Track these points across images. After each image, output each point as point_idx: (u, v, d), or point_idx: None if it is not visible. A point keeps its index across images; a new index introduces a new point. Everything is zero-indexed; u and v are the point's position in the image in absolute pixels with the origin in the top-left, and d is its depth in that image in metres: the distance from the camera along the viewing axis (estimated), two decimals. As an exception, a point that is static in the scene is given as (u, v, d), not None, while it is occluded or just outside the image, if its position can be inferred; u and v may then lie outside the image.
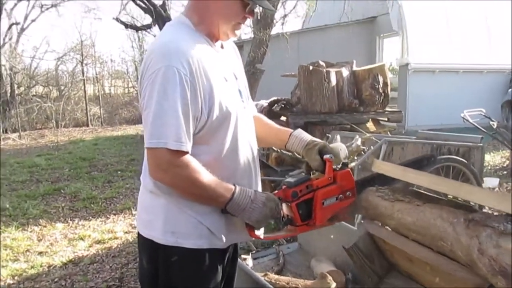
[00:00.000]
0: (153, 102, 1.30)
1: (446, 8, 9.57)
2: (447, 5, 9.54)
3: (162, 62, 1.30)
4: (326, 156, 1.46)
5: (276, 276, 2.09)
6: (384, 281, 1.53)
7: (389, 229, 1.43)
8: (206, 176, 1.34)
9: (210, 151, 1.40)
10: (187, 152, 1.32)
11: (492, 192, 1.21)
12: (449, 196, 1.41)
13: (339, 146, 1.54)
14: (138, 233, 1.53)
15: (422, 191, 1.50)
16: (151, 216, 1.46)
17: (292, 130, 1.62)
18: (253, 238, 1.48)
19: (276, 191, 1.46)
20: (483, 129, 5.44)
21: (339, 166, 1.49)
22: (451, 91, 9.46)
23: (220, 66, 1.45)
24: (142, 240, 1.49)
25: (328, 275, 2.00)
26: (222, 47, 1.53)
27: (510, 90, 8.05)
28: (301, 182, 1.44)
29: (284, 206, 1.44)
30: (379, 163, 1.52)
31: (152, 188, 1.45)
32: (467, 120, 5.74)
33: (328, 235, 2.39)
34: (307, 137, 1.58)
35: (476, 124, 5.63)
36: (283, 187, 1.45)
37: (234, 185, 1.38)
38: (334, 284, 1.97)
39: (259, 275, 1.94)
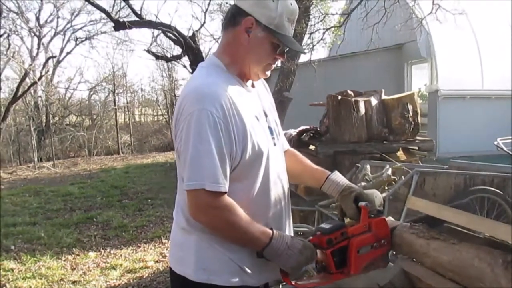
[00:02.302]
0: (189, 145, 1.33)
1: (476, 34, 9.49)
2: (477, 31, 9.46)
3: (196, 106, 1.34)
4: (361, 204, 1.46)
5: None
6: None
7: (424, 267, 1.41)
8: (244, 219, 1.36)
9: (242, 189, 1.42)
10: (225, 193, 1.34)
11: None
12: (485, 234, 1.39)
13: (374, 193, 1.53)
14: (171, 269, 1.54)
15: (457, 228, 1.48)
16: (183, 253, 1.47)
17: (328, 172, 1.61)
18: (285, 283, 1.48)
19: (311, 237, 1.45)
20: (518, 157, 5.30)
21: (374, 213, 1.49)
22: (483, 118, 9.26)
23: (252, 105, 1.48)
24: (175, 276, 1.50)
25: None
26: (253, 85, 1.56)
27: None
28: (336, 229, 1.43)
29: (318, 252, 1.43)
30: (413, 199, 1.51)
31: (184, 225, 1.48)
32: (501, 148, 5.61)
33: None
34: (343, 181, 1.57)
35: (510, 152, 5.49)
36: (318, 233, 1.44)
37: (271, 229, 1.39)
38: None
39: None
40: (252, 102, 1.49)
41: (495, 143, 5.71)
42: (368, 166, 3.77)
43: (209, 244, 1.42)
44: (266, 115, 1.54)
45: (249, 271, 1.44)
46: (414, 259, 1.47)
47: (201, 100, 1.34)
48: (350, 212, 1.50)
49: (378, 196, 1.53)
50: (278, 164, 1.53)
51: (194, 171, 1.33)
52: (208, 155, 1.32)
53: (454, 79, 9.51)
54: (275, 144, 1.53)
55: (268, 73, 1.52)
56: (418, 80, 11.56)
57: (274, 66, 1.53)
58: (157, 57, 9.61)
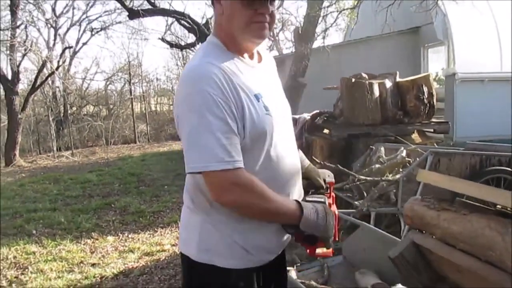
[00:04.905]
0: (189, 127, 1.30)
1: (495, 15, 9.26)
2: (495, 11, 9.23)
3: (191, 87, 1.31)
4: (329, 180, 1.58)
5: (320, 287, 2.08)
6: (432, 292, 1.51)
7: (435, 238, 1.41)
8: (271, 192, 1.32)
9: (247, 169, 1.34)
10: (238, 169, 1.29)
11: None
12: (497, 206, 1.38)
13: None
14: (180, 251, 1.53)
15: (469, 201, 1.48)
16: (188, 234, 1.47)
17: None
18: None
19: None
20: (537, 139, 5.22)
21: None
22: (502, 101, 9.07)
23: (254, 81, 1.40)
24: (182, 256, 1.50)
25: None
26: (260, 60, 1.50)
27: None
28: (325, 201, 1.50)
29: None
30: (424, 173, 1.51)
31: (189, 204, 1.47)
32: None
33: (373, 247, 2.37)
34: (306, 161, 1.66)
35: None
36: None
37: (296, 200, 1.39)
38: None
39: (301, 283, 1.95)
40: (256, 77, 1.43)
41: (514, 125, 5.64)
42: (382, 149, 3.75)
43: (212, 226, 1.41)
44: (273, 91, 1.49)
45: (253, 252, 1.42)
46: (425, 231, 1.48)
47: (196, 81, 1.31)
48: (318, 183, 1.60)
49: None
50: (285, 141, 1.47)
51: (196, 153, 1.29)
52: (209, 134, 1.27)
53: (472, 62, 9.30)
54: (281, 120, 1.46)
55: (262, 33, 1.40)
56: (435, 64, 11.35)
57: (264, 24, 1.38)
58: (171, 45, 9.65)
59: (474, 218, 1.29)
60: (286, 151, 1.46)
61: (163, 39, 9.34)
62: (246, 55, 1.45)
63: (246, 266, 1.42)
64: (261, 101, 1.38)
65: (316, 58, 8.66)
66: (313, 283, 2.14)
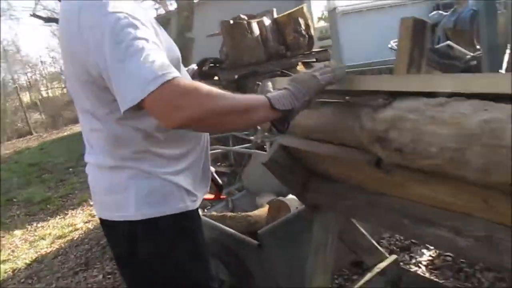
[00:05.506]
0: (107, 62, 1.07)
1: None
2: None
3: (100, 13, 1.10)
4: None
5: (220, 214, 2.18)
6: (309, 186, 1.65)
7: (298, 137, 1.53)
8: (222, 91, 1.10)
9: None
10: (174, 78, 1.03)
11: (370, 76, 1.33)
12: (346, 98, 1.52)
13: None
14: (106, 220, 1.36)
15: (326, 100, 1.61)
16: (119, 195, 1.29)
17: None
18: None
19: None
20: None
21: None
22: (380, 28, 9.69)
23: (149, 14, 1.35)
24: (114, 225, 1.32)
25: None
26: None
27: (430, 14, 8.40)
28: None
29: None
30: (280, 79, 1.62)
31: (111, 163, 1.29)
32: (394, 50, 5.98)
33: (266, 170, 2.50)
34: None
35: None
36: None
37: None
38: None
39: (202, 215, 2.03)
40: (148, 12, 1.43)
41: (389, 46, 6.08)
42: (269, 83, 3.87)
43: (146, 175, 1.27)
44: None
45: (194, 191, 1.35)
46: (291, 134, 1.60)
47: (102, 7, 1.10)
48: None
49: None
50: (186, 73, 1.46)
51: (125, 85, 1.05)
52: (132, 59, 1.04)
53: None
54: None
55: None
56: (319, 3, 11.74)
57: None
58: (45, 20, 8.93)
59: (324, 109, 1.42)
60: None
61: (35, 15, 8.60)
62: None
63: (194, 207, 1.35)
64: (163, 31, 1.31)
65: (203, 12, 8.56)
66: (213, 212, 2.23)
